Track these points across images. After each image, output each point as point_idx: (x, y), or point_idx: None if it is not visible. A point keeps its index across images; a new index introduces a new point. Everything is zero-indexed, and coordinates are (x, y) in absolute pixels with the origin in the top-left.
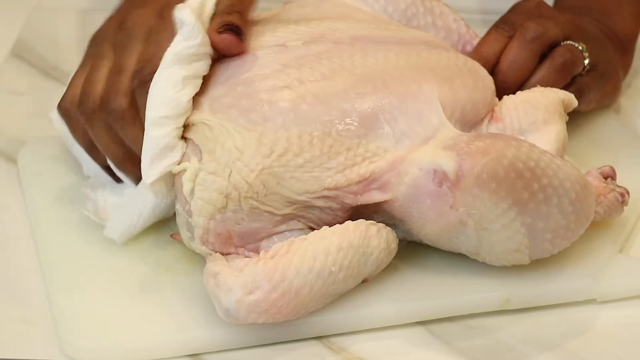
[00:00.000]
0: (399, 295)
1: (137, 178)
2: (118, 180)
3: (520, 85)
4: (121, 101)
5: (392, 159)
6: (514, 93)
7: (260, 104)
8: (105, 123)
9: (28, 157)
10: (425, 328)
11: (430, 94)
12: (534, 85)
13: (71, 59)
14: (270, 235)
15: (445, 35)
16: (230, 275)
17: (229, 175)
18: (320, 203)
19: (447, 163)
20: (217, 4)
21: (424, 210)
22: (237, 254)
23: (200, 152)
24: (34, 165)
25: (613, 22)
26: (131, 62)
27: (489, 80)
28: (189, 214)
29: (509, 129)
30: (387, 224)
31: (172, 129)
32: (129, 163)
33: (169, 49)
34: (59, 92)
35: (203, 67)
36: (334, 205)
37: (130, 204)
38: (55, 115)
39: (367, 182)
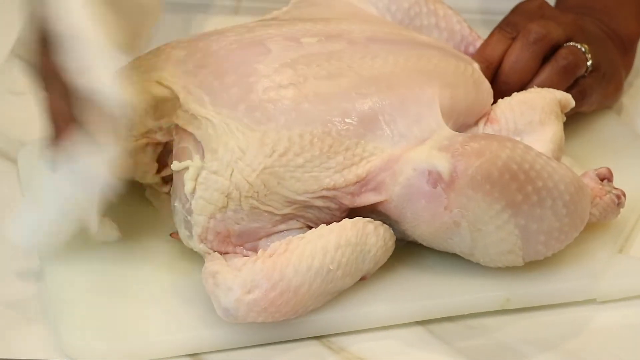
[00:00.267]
0: (399, 295)
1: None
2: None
3: (522, 86)
4: None
5: (387, 158)
6: None
7: (265, 101)
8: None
9: (28, 157)
10: (425, 328)
11: (432, 98)
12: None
13: None
14: (269, 235)
15: (448, 37)
16: (229, 274)
17: (231, 174)
18: (319, 203)
19: (442, 164)
20: None
21: (418, 211)
22: (236, 252)
23: (203, 149)
24: (34, 165)
25: (615, 22)
26: None
27: (489, 93)
28: (189, 212)
29: (504, 130)
30: (384, 223)
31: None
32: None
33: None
34: None
35: None
36: (332, 205)
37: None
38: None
39: (364, 182)
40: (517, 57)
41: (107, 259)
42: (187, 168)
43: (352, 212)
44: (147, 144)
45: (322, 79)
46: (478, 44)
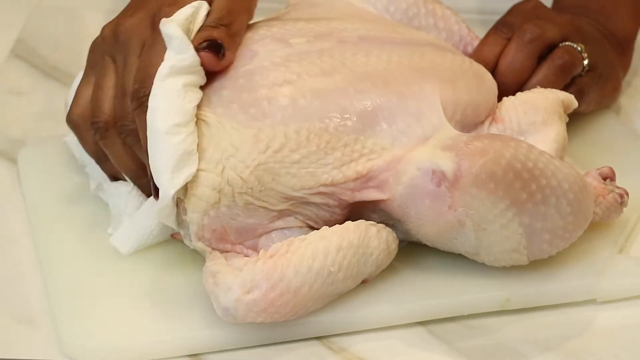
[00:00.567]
0: (399, 295)
1: (148, 192)
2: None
3: (519, 86)
4: (131, 120)
5: (389, 158)
6: (513, 94)
7: (260, 99)
8: (119, 139)
9: (28, 157)
10: (425, 328)
11: (432, 94)
12: (534, 87)
13: (71, 59)
14: (267, 232)
15: (446, 37)
16: (229, 274)
17: (222, 171)
18: (317, 199)
19: (446, 163)
20: (208, 14)
21: (422, 211)
22: (236, 251)
23: None
24: (34, 165)
25: (611, 22)
26: (131, 83)
27: (493, 84)
28: (184, 211)
29: (508, 129)
30: (387, 224)
31: (186, 136)
32: (142, 176)
33: (163, 62)
34: (59, 92)
35: (199, 78)
36: (331, 201)
37: (143, 218)
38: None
39: (364, 179)
40: (513, 57)
41: (108, 259)
42: None
43: (354, 211)
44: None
45: (316, 76)
46: (476, 44)
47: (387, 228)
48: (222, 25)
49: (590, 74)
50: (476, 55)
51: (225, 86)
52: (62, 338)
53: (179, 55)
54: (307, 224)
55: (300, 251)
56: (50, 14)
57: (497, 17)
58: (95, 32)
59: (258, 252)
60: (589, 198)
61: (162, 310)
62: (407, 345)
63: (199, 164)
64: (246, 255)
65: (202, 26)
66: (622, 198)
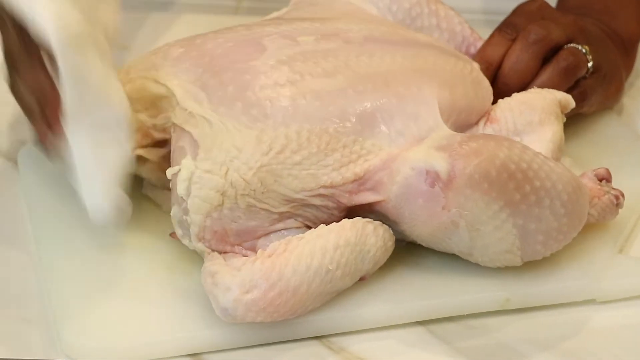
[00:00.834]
0: (399, 295)
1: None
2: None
3: (522, 87)
4: None
5: (385, 157)
6: None
7: (263, 98)
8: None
9: (28, 157)
10: (425, 328)
11: (430, 96)
12: None
13: None
14: (267, 234)
15: (449, 37)
16: (228, 274)
17: (226, 173)
18: (317, 201)
19: (440, 164)
20: None
21: (416, 211)
22: (234, 252)
23: (198, 148)
24: (34, 165)
25: (616, 23)
26: None
27: (489, 91)
28: (185, 212)
29: (504, 130)
30: (384, 224)
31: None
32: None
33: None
34: None
35: None
36: (330, 204)
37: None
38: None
39: (362, 181)
40: (517, 58)
41: (107, 258)
42: (180, 170)
43: (351, 212)
44: (153, 144)
45: (318, 77)
46: (479, 44)
47: (384, 225)
48: None
49: (594, 76)
50: (480, 56)
51: (231, 81)
52: (62, 338)
53: None
54: (306, 224)
55: (298, 250)
56: None
57: (501, 18)
58: None
59: (256, 252)
60: (583, 199)
61: (162, 310)
62: (407, 345)
63: (204, 164)
64: (244, 255)
65: None
66: (618, 199)
